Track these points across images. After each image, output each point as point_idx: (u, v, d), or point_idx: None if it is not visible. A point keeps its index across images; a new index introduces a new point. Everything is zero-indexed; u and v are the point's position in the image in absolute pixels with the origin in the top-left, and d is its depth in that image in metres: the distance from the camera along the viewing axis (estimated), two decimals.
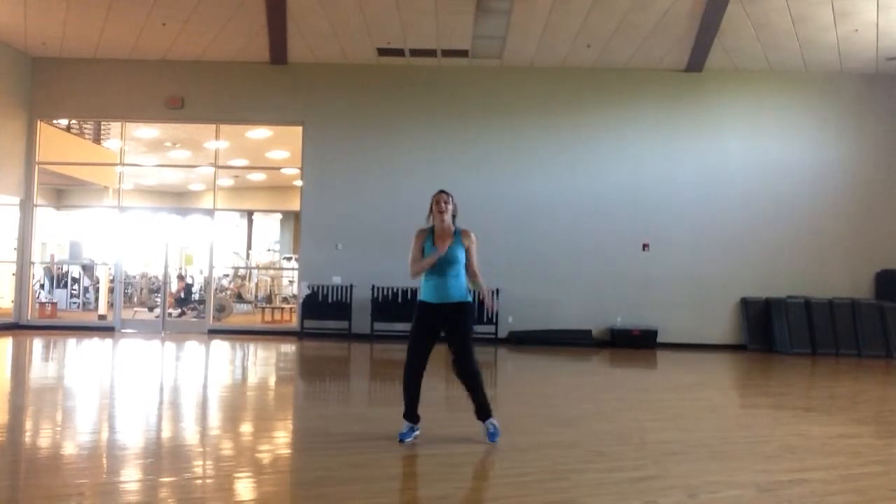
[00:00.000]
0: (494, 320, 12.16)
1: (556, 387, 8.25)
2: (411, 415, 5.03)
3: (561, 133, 12.92)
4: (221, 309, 14.48)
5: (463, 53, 12.55)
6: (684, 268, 12.63)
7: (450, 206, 5.01)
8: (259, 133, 14.77)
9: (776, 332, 12.20)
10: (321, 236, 12.90)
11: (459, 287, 4.99)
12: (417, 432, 5.04)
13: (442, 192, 5.10)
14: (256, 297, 18.59)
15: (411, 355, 5.00)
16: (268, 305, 16.69)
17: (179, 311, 15.24)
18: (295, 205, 13.85)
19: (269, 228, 22.40)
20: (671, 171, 12.78)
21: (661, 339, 12.35)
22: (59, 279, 17.24)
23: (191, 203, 20.96)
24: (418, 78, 13.00)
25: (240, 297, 16.88)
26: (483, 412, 5.02)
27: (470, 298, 5.06)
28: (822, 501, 3.90)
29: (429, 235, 5.02)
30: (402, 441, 4.93)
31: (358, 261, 12.68)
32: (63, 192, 18.79)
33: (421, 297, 5.08)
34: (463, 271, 5.01)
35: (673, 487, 4.07)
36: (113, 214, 13.64)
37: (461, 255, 4.97)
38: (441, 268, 4.94)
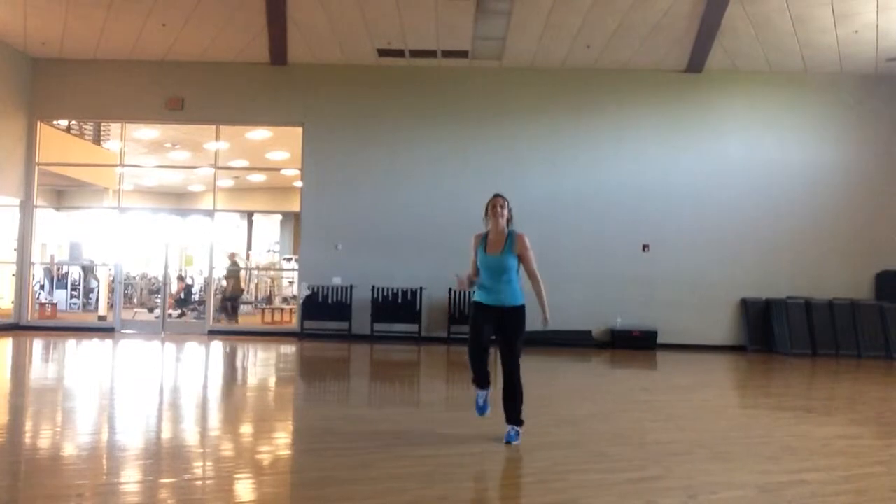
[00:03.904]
0: None
1: (556, 387, 8.24)
2: (483, 383, 5.05)
3: (561, 134, 12.91)
4: (236, 308, 14.51)
5: (463, 54, 12.55)
6: (684, 269, 12.62)
7: (505, 211, 5.01)
8: (259, 134, 14.76)
9: (776, 333, 12.19)
10: (321, 237, 12.89)
11: (513, 291, 4.99)
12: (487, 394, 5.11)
13: (498, 195, 5.09)
14: (256, 297, 18.57)
15: (473, 339, 4.99)
16: (268, 306, 16.68)
17: (179, 312, 15.23)
18: (295, 206, 13.84)
19: (269, 229, 22.39)
20: (671, 172, 12.77)
21: (661, 339, 12.33)
22: (58, 280, 17.24)
23: (191, 204, 20.95)
24: (418, 79, 13.00)
25: (233, 299, 16.56)
26: (514, 418, 4.98)
27: (524, 301, 5.03)
28: (822, 502, 3.90)
29: (482, 242, 5.02)
30: (482, 413, 5.06)
31: (358, 261, 12.67)
32: (63, 193, 18.78)
33: (475, 297, 5.09)
34: (515, 277, 5.01)
35: (673, 488, 4.06)
36: (113, 215, 13.63)
37: (511, 263, 4.96)
38: (493, 274, 4.96)
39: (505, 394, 4.98)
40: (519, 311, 4.98)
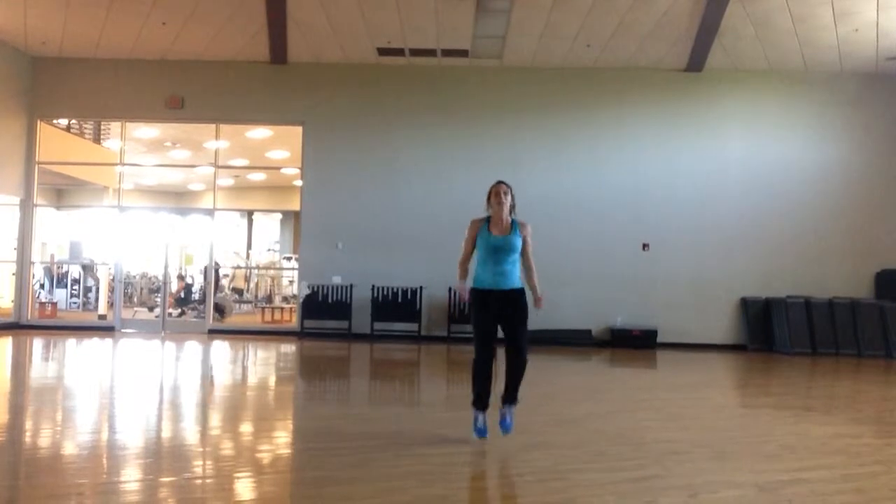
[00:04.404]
0: None
1: (556, 387, 8.23)
2: (484, 404, 4.98)
3: (561, 133, 12.91)
4: (221, 310, 14.44)
5: (463, 53, 12.55)
6: (684, 268, 12.62)
7: (508, 198, 4.98)
8: (259, 133, 14.76)
9: (776, 332, 12.19)
10: (321, 236, 12.89)
11: (515, 274, 4.98)
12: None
13: (500, 182, 5.06)
14: (256, 296, 18.57)
15: (480, 346, 4.93)
16: (268, 305, 16.68)
17: (179, 311, 15.23)
18: (295, 205, 13.84)
19: (269, 228, 22.40)
20: (671, 171, 12.77)
21: (660, 339, 12.32)
22: (59, 279, 17.24)
23: (191, 203, 20.96)
24: (418, 78, 12.99)
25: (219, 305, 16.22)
26: (511, 398, 4.98)
27: (523, 286, 5.03)
28: (822, 501, 3.90)
29: (485, 224, 4.98)
30: (482, 436, 4.90)
31: (358, 260, 12.67)
32: (63, 192, 18.78)
33: (474, 283, 5.02)
34: (519, 260, 5.00)
35: (673, 487, 4.06)
36: (113, 214, 13.63)
37: (519, 244, 4.95)
38: (499, 256, 4.93)
39: (511, 372, 4.93)
40: (521, 294, 4.96)
